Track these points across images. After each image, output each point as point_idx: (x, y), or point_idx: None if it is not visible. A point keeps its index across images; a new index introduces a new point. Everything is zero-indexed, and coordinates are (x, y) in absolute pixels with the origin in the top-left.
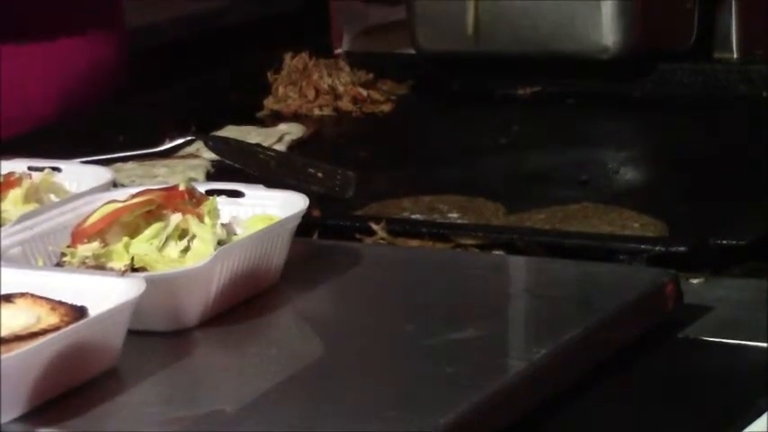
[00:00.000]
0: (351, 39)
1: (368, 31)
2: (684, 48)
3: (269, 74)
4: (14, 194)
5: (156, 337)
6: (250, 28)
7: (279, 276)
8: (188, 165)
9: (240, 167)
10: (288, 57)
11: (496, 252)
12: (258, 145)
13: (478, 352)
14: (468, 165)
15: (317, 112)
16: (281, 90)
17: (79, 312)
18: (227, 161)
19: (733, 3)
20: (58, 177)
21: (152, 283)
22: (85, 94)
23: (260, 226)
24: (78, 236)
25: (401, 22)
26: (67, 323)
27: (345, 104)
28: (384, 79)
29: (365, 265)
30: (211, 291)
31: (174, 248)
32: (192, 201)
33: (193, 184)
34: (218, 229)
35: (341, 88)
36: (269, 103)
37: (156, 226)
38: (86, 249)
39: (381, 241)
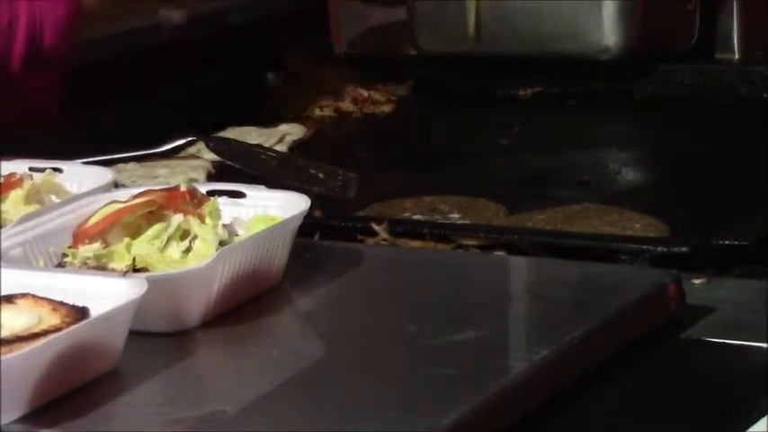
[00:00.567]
0: (351, 39)
1: (368, 32)
2: (685, 49)
3: (269, 74)
4: (16, 195)
5: (157, 337)
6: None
7: (280, 277)
8: (189, 165)
9: (241, 168)
10: (288, 57)
11: (498, 253)
12: (259, 146)
13: (480, 353)
14: (468, 165)
15: (317, 112)
16: (281, 91)
17: (80, 313)
18: (228, 162)
19: (734, 4)
20: (59, 178)
21: (153, 283)
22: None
23: (261, 227)
24: (80, 236)
25: (402, 22)
26: (69, 324)
27: (346, 105)
28: (384, 80)
29: (366, 266)
30: (213, 291)
31: (175, 249)
32: (193, 201)
33: (194, 184)
34: (220, 230)
35: (341, 89)
36: (270, 103)
37: (157, 227)
38: (88, 250)
39: (383, 242)
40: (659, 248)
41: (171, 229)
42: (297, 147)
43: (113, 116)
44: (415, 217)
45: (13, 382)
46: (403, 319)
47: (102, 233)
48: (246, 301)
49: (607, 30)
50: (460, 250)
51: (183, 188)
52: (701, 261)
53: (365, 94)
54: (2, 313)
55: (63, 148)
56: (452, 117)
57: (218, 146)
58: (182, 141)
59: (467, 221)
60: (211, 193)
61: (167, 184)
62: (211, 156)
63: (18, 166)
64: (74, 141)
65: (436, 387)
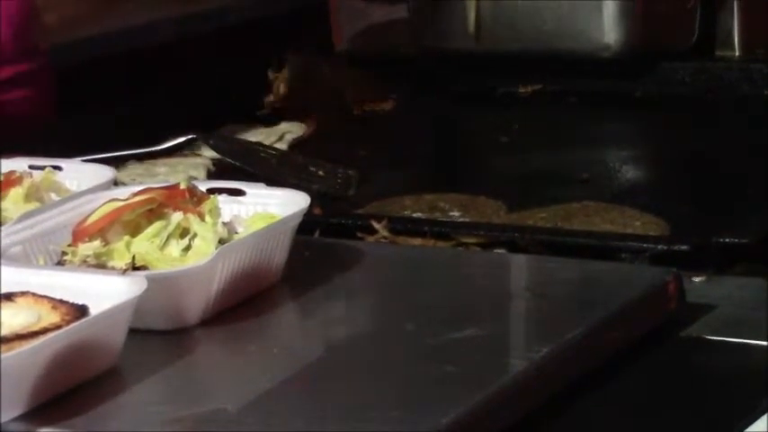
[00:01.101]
0: (351, 37)
1: (368, 30)
2: (686, 46)
3: (269, 72)
4: (15, 193)
5: (157, 335)
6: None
7: (280, 275)
8: (189, 163)
9: (241, 166)
10: (288, 55)
11: (498, 251)
12: (259, 143)
13: (480, 351)
14: (469, 163)
15: (318, 110)
16: (281, 88)
17: (80, 311)
18: (227, 160)
19: (735, 1)
20: (58, 176)
21: (153, 281)
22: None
23: (261, 224)
24: (79, 234)
25: (402, 20)
26: (68, 322)
27: (346, 103)
28: (385, 78)
29: (367, 264)
30: (212, 289)
31: (175, 247)
32: (193, 199)
33: (194, 182)
34: (220, 228)
35: (341, 87)
36: (270, 101)
37: (157, 225)
38: (87, 248)
39: (383, 240)
40: (659, 246)
41: (171, 227)
42: (297, 144)
43: (113, 114)
44: (415, 215)
45: (12, 380)
46: (403, 318)
47: (101, 231)
48: (246, 299)
49: (607, 27)
50: (460, 248)
51: (182, 186)
52: (702, 259)
53: (365, 92)
54: (1, 311)
55: (63, 145)
56: (452, 115)
57: (218, 144)
58: (182, 139)
59: (467, 219)
60: (211, 191)
61: (167, 182)
62: (211, 153)
63: (18, 164)
64: (73, 139)
65: (436, 386)
